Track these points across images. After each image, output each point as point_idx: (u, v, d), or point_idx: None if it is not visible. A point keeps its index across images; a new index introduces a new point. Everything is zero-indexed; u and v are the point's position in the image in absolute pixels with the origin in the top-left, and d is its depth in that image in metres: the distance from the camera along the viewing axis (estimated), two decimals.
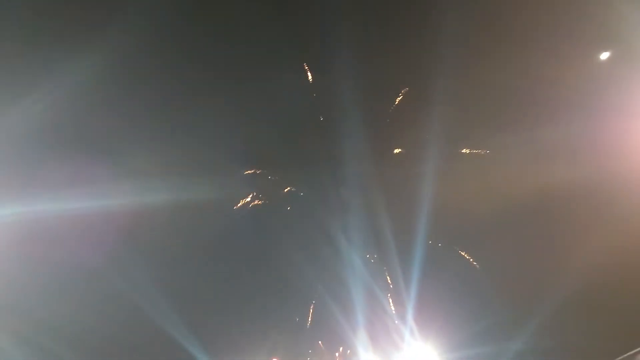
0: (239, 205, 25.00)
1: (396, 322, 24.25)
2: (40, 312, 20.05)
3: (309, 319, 25.39)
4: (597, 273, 19.65)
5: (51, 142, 20.07)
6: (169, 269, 23.00)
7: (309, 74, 24.22)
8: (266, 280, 24.76)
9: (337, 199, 24.90)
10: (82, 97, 19.21)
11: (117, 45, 19.09)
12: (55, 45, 18.92)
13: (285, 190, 25.87)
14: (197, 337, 21.96)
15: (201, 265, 23.97)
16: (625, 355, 16.78)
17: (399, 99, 24.63)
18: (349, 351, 24.40)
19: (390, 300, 24.76)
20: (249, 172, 25.18)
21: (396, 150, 25.53)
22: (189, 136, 23.55)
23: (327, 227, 24.79)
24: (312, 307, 25.28)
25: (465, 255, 24.70)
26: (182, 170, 23.01)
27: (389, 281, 25.11)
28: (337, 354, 24.80)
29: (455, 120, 22.52)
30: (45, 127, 18.91)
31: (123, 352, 22.32)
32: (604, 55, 19.62)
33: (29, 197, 19.01)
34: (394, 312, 24.51)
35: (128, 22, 19.34)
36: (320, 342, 25.27)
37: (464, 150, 24.06)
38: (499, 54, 21.01)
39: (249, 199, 25.08)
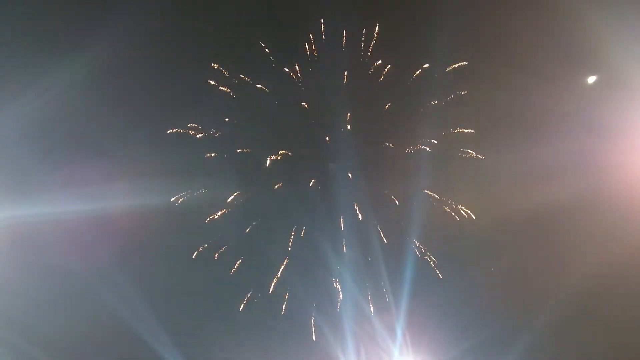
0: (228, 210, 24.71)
1: (386, 338, 23.60)
2: (19, 315, 19.86)
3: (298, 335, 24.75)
4: (591, 288, 20.06)
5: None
6: (155, 274, 22.64)
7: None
8: (255, 294, 24.44)
9: (328, 209, 24.63)
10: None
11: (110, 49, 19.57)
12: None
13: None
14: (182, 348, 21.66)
15: (187, 271, 23.66)
16: None
17: (393, 117, 24.70)
18: None
19: (381, 316, 24.18)
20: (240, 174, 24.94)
21: (392, 163, 25.32)
22: (182, 139, 23.70)
23: (317, 240, 24.55)
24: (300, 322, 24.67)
25: (458, 270, 24.06)
26: (174, 173, 23.14)
27: (380, 296, 24.51)
28: None
29: (450, 137, 23.53)
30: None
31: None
32: (592, 79, 21.22)
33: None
34: (383, 327, 23.89)
35: (123, 24, 19.85)
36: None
37: (459, 166, 24.01)
38: (495, 77, 21.80)
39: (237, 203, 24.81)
